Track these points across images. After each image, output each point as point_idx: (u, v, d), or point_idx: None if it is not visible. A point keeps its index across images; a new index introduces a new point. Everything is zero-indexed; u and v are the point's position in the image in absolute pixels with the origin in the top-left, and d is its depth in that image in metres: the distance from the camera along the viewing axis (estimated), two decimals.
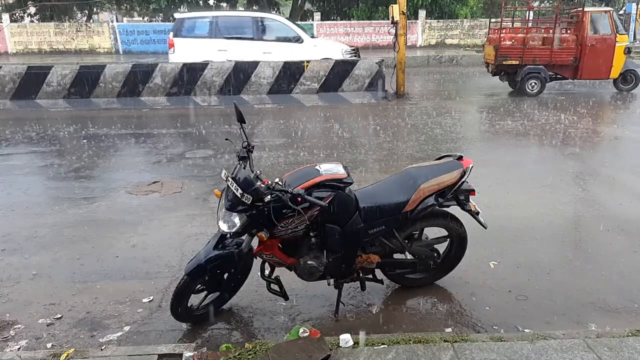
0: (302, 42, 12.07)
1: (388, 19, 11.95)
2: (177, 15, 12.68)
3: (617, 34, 11.21)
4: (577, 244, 4.31)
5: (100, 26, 21.64)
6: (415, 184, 3.14)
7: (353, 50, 12.66)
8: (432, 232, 3.55)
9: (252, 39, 12.10)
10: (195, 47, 11.88)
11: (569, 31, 11.52)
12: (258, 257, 3.13)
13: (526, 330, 3.02)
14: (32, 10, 23.80)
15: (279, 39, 12.18)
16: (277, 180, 2.97)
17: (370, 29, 21.75)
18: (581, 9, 11.45)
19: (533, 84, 11.41)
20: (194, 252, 3.21)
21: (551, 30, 11.41)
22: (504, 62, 11.46)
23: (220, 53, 11.76)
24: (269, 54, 11.82)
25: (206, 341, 3.03)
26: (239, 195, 2.73)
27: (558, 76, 11.72)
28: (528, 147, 7.36)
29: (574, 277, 3.71)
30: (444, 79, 13.71)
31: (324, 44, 12.95)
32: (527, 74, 11.33)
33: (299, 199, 2.72)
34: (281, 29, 12.30)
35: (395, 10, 10.74)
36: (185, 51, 11.82)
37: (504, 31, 11.63)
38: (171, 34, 12.14)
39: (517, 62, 11.36)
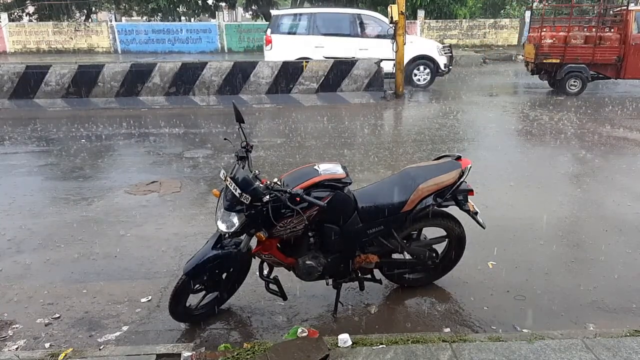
0: None
1: (387, 19, 11.95)
2: (274, 12, 12.71)
3: None
4: (576, 244, 4.32)
5: (98, 26, 21.61)
6: (413, 184, 3.15)
7: (447, 47, 12.76)
8: (431, 232, 3.55)
9: (348, 35, 12.21)
10: (292, 44, 12.06)
11: (612, 30, 11.36)
12: (256, 257, 3.13)
13: (524, 330, 3.03)
14: (31, 9, 23.75)
15: (375, 36, 12.27)
16: (275, 180, 2.97)
17: None
18: (625, 7, 11.30)
19: (574, 83, 11.34)
20: (192, 251, 3.21)
21: (594, 29, 11.29)
22: (544, 61, 11.35)
23: (317, 50, 11.97)
24: (365, 50, 11.98)
25: (205, 341, 3.03)
26: (237, 195, 2.73)
27: (600, 75, 11.56)
28: (528, 147, 7.37)
29: (572, 277, 3.72)
30: (444, 78, 13.71)
31: (420, 40, 13.07)
32: (567, 72, 11.26)
33: (298, 198, 2.72)
34: (378, 26, 12.39)
35: (394, 11, 10.74)
36: (283, 48, 12.00)
37: (544, 29, 11.52)
38: (268, 30, 12.24)
39: (558, 61, 11.25)
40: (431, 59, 12.54)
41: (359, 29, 12.30)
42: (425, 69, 12.62)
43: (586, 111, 9.74)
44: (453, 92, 12.08)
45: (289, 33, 12.26)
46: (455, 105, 10.49)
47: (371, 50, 11.95)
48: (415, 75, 12.64)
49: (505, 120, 9.13)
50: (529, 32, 12.27)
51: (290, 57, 11.62)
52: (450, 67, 12.98)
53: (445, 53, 12.54)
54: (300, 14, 12.61)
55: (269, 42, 12.16)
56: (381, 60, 10.96)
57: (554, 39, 11.41)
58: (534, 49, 11.40)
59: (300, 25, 12.33)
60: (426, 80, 12.67)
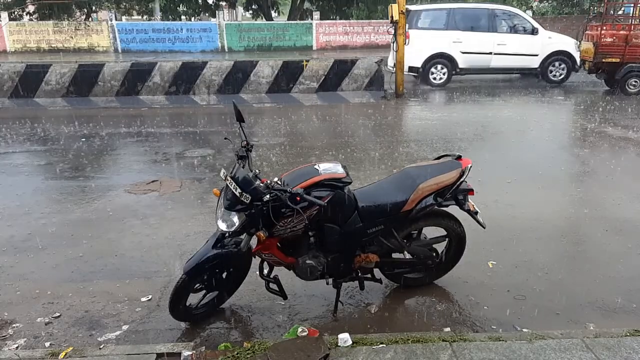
0: (537, 33, 12.24)
1: (387, 19, 11.96)
2: (412, 8, 12.69)
3: None
4: (576, 244, 4.32)
5: (99, 25, 21.59)
6: (414, 184, 3.14)
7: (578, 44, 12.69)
8: (431, 231, 3.55)
9: (486, 30, 12.27)
10: (430, 39, 12.19)
11: None
12: (257, 257, 3.13)
13: (524, 330, 3.03)
14: (31, 8, 23.74)
15: (513, 31, 12.32)
16: (276, 179, 2.97)
17: (370, 28, 21.74)
18: None
19: (634, 82, 11.20)
20: (192, 251, 3.21)
21: None
22: (604, 60, 11.20)
23: (455, 45, 12.08)
24: (503, 45, 12.08)
25: (205, 340, 3.03)
26: (237, 195, 2.73)
27: None
28: (528, 147, 7.36)
29: (572, 277, 3.72)
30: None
31: (559, 37, 12.99)
32: (628, 72, 11.11)
33: (298, 198, 2.72)
34: (516, 21, 12.43)
35: (394, 10, 10.73)
36: (420, 42, 12.11)
37: (604, 28, 11.36)
38: (406, 26, 12.14)
39: (618, 60, 11.10)
40: (569, 55, 12.53)
41: (497, 24, 12.37)
42: (561, 64, 12.58)
43: None
44: (453, 93, 12.05)
45: (426, 28, 12.34)
46: (455, 106, 10.47)
47: (509, 45, 12.05)
48: (551, 71, 12.63)
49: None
50: (586, 30, 12.19)
51: (428, 53, 11.97)
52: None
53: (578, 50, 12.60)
54: (439, 9, 12.67)
55: (406, 37, 12.11)
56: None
57: (614, 37, 11.19)
58: (593, 48, 11.18)
59: (438, 20, 12.42)
60: (562, 76, 12.64)
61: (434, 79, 12.43)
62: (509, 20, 12.51)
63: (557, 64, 12.55)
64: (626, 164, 6.37)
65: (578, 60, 12.42)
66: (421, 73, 12.44)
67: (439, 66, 12.38)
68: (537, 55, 12.40)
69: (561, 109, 10.25)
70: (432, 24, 12.45)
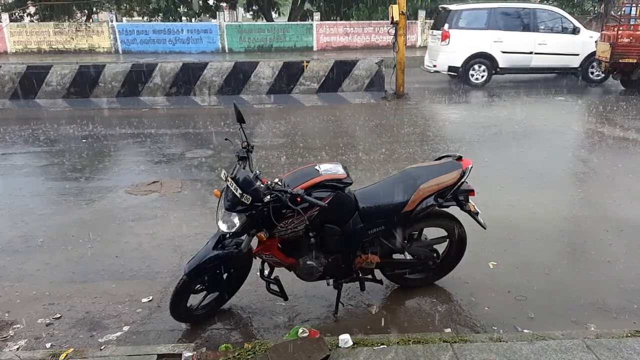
0: (578, 33, 12.22)
1: (388, 20, 11.95)
2: (451, 7, 12.66)
3: None
4: (576, 244, 4.32)
5: (99, 26, 21.58)
6: (414, 184, 3.14)
7: None
8: (432, 232, 3.55)
9: (527, 30, 12.24)
10: (470, 39, 12.17)
11: None
12: (257, 257, 3.13)
13: (525, 331, 3.03)
14: (32, 10, 23.75)
15: (554, 30, 12.30)
16: (276, 180, 2.97)
17: (370, 29, 21.72)
18: None
19: None
20: (193, 252, 3.21)
21: None
22: (620, 61, 11.04)
23: (495, 44, 12.06)
24: (544, 44, 12.06)
25: (205, 341, 3.03)
26: (238, 196, 2.73)
27: None
28: (528, 147, 7.35)
29: (573, 277, 3.72)
30: (444, 79, 13.70)
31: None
32: None
33: (299, 199, 2.72)
34: (557, 20, 12.41)
35: (395, 11, 10.73)
36: (460, 42, 12.10)
37: (621, 28, 11.22)
38: (446, 25, 12.25)
39: (635, 61, 10.93)
40: None
41: (538, 24, 12.33)
42: (600, 63, 12.34)
43: None
44: (453, 93, 12.04)
45: (467, 28, 12.31)
46: (455, 106, 10.47)
47: (550, 44, 12.03)
48: (592, 72, 12.56)
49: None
50: (602, 30, 12.11)
51: (468, 52, 11.94)
52: None
53: None
54: (479, 9, 12.62)
55: (446, 37, 12.17)
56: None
57: (632, 38, 11.04)
58: (609, 48, 11.04)
59: (479, 20, 12.37)
60: (600, 77, 12.57)
61: (475, 78, 12.42)
62: (550, 19, 12.46)
63: (596, 63, 12.40)
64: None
65: None
66: (461, 73, 12.42)
67: (479, 66, 12.36)
68: (577, 54, 12.31)
69: (568, 109, 10.23)
70: (472, 24, 12.40)
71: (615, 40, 11.01)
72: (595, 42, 11.77)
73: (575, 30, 12.29)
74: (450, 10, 12.52)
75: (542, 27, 12.36)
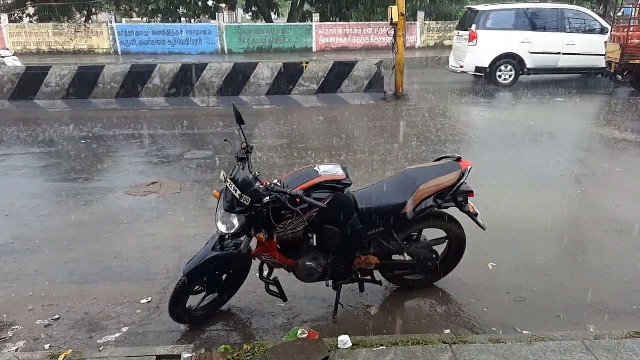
0: (606, 33, 12.20)
1: (387, 21, 11.96)
2: (480, 8, 12.70)
3: None
4: (576, 245, 4.32)
5: (99, 27, 21.59)
6: (414, 185, 3.14)
7: None
8: (431, 233, 3.55)
9: (555, 30, 12.28)
10: (498, 39, 12.21)
11: None
12: (257, 259, 3.13)
13: (525, 332, 3.02)
14: (31, 10, 23.75)
15: (583, 31, 12.30)
16: (276, 181, 2.97)
17: (369, 30, 21.74)
18: None
19: None
20: (192, 253, 3.21)
21: None
22: (631, 62, 10.93)
23: (523, 45, 12.10)
24: (572, 45, 12.08)
25: (204, 342, 3.03)
26: (237, 197, 2.73)
27: None
28: (527, 148, 7.36)
29: (572, 278, 3.72)
30: (444, 80, 13.72)
31: None
32: None
33: (298, 200, 2.72)
34: (586, 21, 12.41)
35: (394, 12, 10.74)
36: (488, 43, 12.15)
37: (632, 29, 11.13)
38: (473, 26, 12.28)
39: None
40: None
41: (566, 24, 12.35)
42: None
43: None
44: (453, 94, 12.06)
45: (495, 29, 12.34)
46: (455, 107, 10.48)
47: (578, 45, 12.03)
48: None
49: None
50: (612, 30, 12.12)
51: (495, 53, 11.99)
52: None
53: None
54: (507, 10, 12.65)
55: (473, 37, 12.20)
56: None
57: None
58: (620, 49, 10.96)
59: (507, 20, 12.40)
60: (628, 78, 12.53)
61: (502, 79, 12.44)
62: (578, 19, 12.48)
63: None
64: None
65: None
66: (488, 73, 12.45)
67: (506, 66, 12.38)
68: (604, 55, 12.20)
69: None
70: (500, 24, 12.44)
71: (626, 42, 10.92)
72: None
73: (603, 31, 12.29)
74: (478, 11, 12.56)
75: (570, 28, 12.38)
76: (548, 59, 12.40)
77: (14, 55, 13.66)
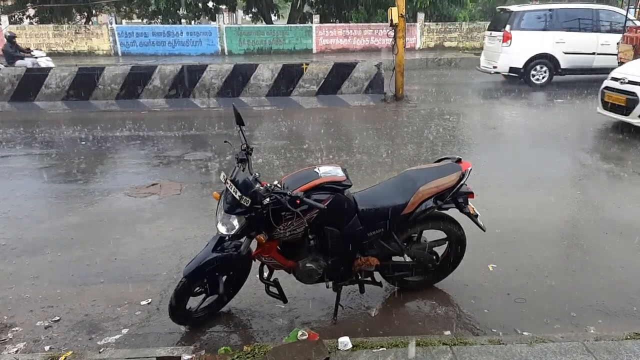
0: None
1: (387, 22, 11.97)
2: (514, 8, 12.68)
3: None
4: (576, 246, 4.32)
5: (99, 28, 21.61)
6: (414, 187, 3.15)
7: None
8: (431, 234, 3.55)
9: (589, 30, 12.27)
10: (532, 40, 12.21)
11: None
12: (257, 260, 3.13)
13: (525, 333, 3.02)
14: (31, 12, 23.77)
15: (617, 31, 12.21)
16: (276, 182, 2.97)
17: (369, 31, 21.75)
18: None
19: None
20: (192, 254, 3.21)
21: None
22: None
23: (557, 45, 12.11)
24: (607, 45, 12.03)
25: (204, 344, 3.03)
26: (237, 198, 2.73)
27: None
28: (527, 149, 7.36)
29: (572, 280, 3.72)
30: (443, 81, 13.73)
31: None
32: None
33: (298, 201, 2.72)
34: (619, 20, 12.33)
35: (394, 13, 10.75)
36: (522, 43, 12.14)
37: None
38: (507, 26, 12.26)
39: None
40: None
41: (600, 24, 12.33)
42: None
43: None
44: (453, 95, 12.06)
45: (529, 29, 12.33)
46: (455, 108, 10.49)
47: (612, 45, 11.94)
48: None
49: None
50: (624, 31, 11.96)
51: (530, 54, 12.00)
52: None
53: None
54: (541, 10, 12.65)
55: (507, 38, 12.18)
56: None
57: None
58: (632, 50, 10.79)
59: (541, 20, 12.39)
60: None
61: (536, 79, 12.43)
62: (613, 20, 12.44)
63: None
64: None
65: None
66: (522, 74, 12.43)
67: (541, 67, 12.37)
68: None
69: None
70: (534, 25, 12.42)
71: (638, 43, 10.78)
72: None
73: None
74: (512, 11, 12.54)
75: (604, 27, 12.35)
76: (583, 59, 12.37)
77: (47, 55, 13.80)
